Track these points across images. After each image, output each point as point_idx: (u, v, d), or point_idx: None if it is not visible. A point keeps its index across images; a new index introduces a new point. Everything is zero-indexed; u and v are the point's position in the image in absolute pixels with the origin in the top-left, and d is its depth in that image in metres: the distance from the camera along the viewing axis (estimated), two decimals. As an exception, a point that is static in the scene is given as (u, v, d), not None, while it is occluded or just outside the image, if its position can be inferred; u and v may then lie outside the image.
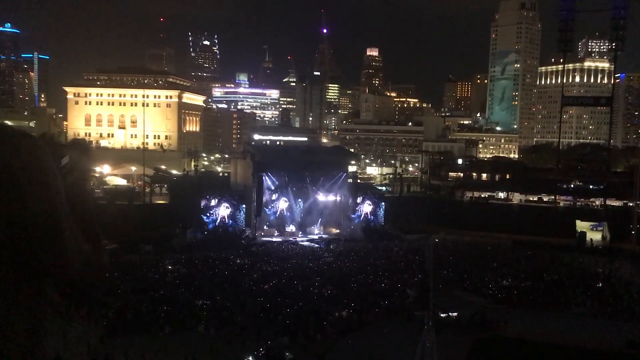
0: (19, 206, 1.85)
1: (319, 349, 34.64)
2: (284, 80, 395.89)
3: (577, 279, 53.98)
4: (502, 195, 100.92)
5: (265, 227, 79.52)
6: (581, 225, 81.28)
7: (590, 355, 35.31)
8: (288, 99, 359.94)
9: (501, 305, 45.00)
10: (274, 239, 75.98)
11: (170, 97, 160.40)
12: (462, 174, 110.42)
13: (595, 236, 79.36)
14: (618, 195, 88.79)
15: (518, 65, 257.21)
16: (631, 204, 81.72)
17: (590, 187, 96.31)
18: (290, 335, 35.52)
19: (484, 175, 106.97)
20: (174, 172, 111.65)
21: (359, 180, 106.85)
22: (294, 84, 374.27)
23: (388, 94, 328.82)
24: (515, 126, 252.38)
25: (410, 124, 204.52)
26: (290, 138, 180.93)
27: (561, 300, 46.35)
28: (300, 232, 79.12)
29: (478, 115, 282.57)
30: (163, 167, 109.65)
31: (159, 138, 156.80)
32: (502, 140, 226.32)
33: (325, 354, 34.12)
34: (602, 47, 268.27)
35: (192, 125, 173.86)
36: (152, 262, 56.74)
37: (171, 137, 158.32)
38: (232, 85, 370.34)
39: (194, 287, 45.75)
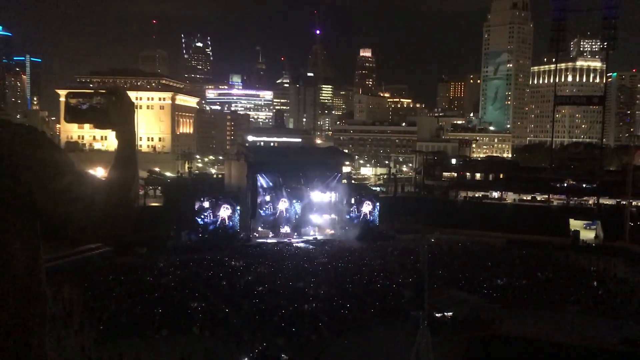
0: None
1: (315, 349, 34.62)
2: (278, 81, 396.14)
3: (571, 277, 54.18)
4: (495, 194, 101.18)
5: (259, 229, 79.27)
6: (575, 223, 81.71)
7: (584, 353, 35.47)
8: (282, 100, 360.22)
9: (496, 304, 45.11)
10: (269, 240, 75.77)
11: (164, 99, 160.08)
12: (455, 174, 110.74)
13: (588, 235, 79.83)
14: (611, 194, 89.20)
15: (510, 65, 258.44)
16: (624, 203, 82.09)
17: (584, 185, 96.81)
18: (285, 336, 35.50)
19: (478, 175, 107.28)
20: (168, 174, 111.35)
21: (353, 181, 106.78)
22: (287, 85, 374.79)
23: (381, 95, 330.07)
24: (508, 126, 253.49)
25: (403, 124, 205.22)
26: (284, 139, 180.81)
27: (555, 298, 46.52)
28: (295, 233, 78.91)
29: (471, 115, 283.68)
30: (157, 169, 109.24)
31: (152, 140, 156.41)
32: (496, 140, 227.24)
33: (320, 354, 34.09)
34: (594, 47, 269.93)
35: (186, 127, 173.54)
36: (147, 264, 56.51)
37: (165, 139, 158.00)
38: (226, 87, 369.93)
39: (188, 289, 45.57)
